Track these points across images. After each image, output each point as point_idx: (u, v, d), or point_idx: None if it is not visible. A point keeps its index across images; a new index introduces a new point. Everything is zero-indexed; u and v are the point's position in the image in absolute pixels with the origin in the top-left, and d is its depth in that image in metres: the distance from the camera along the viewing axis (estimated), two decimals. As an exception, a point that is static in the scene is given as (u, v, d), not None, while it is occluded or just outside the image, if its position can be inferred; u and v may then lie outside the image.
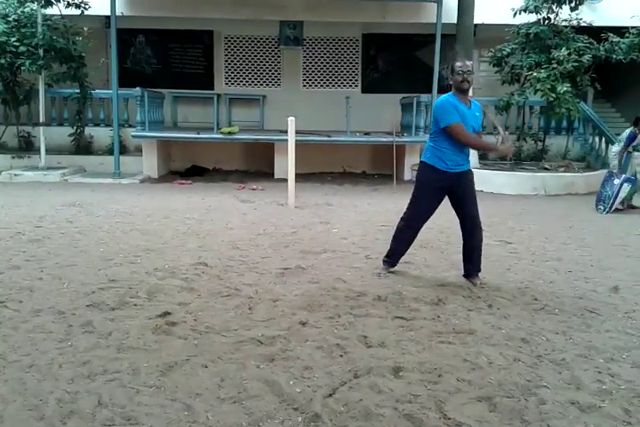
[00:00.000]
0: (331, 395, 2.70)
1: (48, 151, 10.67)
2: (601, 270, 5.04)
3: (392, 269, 4.80)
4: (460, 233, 4.73)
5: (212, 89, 13.27)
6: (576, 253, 5.71)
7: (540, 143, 11.80)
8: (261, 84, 13.54)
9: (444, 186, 4.46)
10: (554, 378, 2.93)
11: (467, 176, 4.48)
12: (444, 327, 3.60)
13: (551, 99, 10.01)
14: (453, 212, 4.72)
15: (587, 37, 10.49)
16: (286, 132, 8.23)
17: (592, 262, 5.31)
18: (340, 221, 6.95)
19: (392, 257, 4.79)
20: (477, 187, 10.13)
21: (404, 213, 4.75)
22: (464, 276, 4.65)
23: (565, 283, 4.65)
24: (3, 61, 10.10)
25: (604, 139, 11.68)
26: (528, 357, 3.18)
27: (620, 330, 3.62)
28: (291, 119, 8.15)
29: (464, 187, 4.48)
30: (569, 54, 10.03)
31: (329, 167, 12.01)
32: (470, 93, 11.05)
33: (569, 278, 4.78)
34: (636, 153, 8.69)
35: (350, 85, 13.60)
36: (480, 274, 4.62)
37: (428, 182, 4.53)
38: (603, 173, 10.12)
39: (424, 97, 10.92)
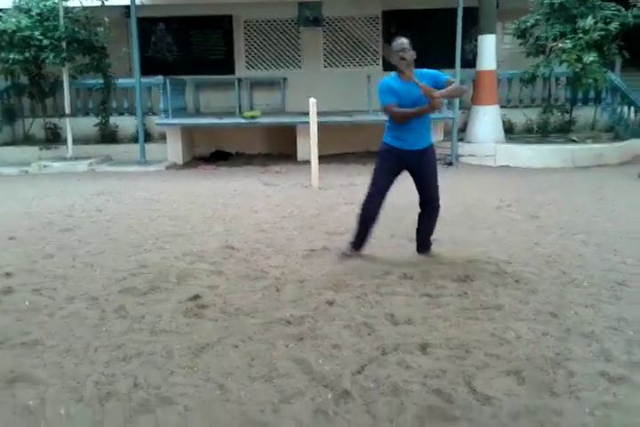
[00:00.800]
0: (359, 372, 2.74)
1: (75, 142, 10.83)
2: (631, 242, 4.97)
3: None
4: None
5: (233, 74, 13.26)
6: (605, 225, 5.63)
7: (566, 115, 11.56)
8: (282, 67, 13.48)
9: (399, 164, 4.39)
10: (583, 351, 2.92)
11: (425, 155, 4.38)
12: (471, 304, 3.61)
13: (577, 69, 9.77)
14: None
15: (614, 4, 10.17)
16: (308, 113, 8.21)
17: (621, 234, 5.24)
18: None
19: (357, 238, 4.60)
20: (505, 162, 10.22)
21: (366, 193, 4.59)
22: (417, 251, 4.65)
23: (594, 256, 4.60)
24: (27, 55, 10.22)
25: (632, 108, 11.40)
26: (556, 330, 3.18)
27: (651, 302, 3.59)
28: (312, 101, 8.12)
29: (421, 166, 4.37)
30: (595, 23, 9.75)
31: (352, 147, 11.95)
32: (494, 67, 10.90)
33: (598, 251, 4.73)
34: None
35: (371, 64, 13.45)
36: (435, 247, 4.66)
37: (384, 161, 4.46)
38: (633, 142, 9.92)
39: (447, 72, 10.73)
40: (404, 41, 4.34)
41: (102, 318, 3.46)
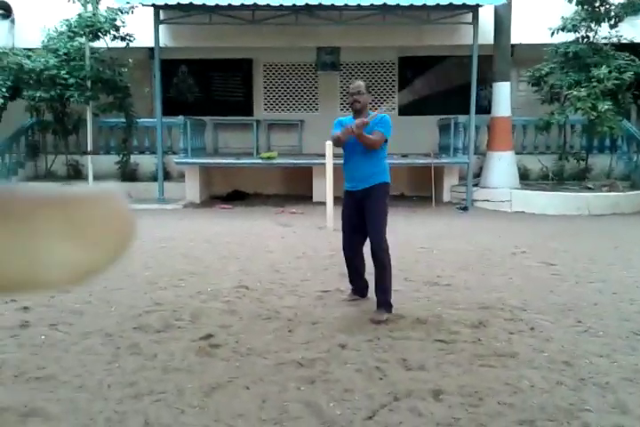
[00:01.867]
0: (370, 417, 2.72)
1: (95, 178, 11.04)
2: (647, 292, 4.93)
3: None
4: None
5: (252, 115, 13.56)
6: (621, 274, 5.60)
7: (582, 162, 11.63)
8: (299, 109, 13.77)
9: (351, 206, 4.39)
10: (598, 402, 2.88)
11: (368, 195, 4.28)
12: (484, 350, 3.58)
13: (592, 117, 9.91)
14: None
15: (628, 54, 10.37)
16: (324, 155, 8.35)
17: (638, 284, 5.20)
18: (380, 244, 6.96)
19: (351, 283, 4.68)
20: (520, 208, 10.25)
21: None
22: None
23: (610, 305, 4.56)
24: (53, 93, 10.57)
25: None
26: (571, 380, 3.14)
27: (668, 353, 3.54)
28: (328, 143, 8.26)
29: (365, 207, 4.30)
30: (609, 72, 9.93)
31: (368, 190, 12.05)
32: (508, 114, 11.05)
33: (614, 300, 4.69)
34: None
35: (387, 109, 13.70)
36: (387, 314, 4.16)
37: (343, 205, 4.52)
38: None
39: (462, 118, 10.93)
40: (360, 84, 4.43)
41: (116, 354, 3.48)
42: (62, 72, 10.50)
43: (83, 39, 10.70)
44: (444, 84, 13.25)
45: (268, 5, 10.03)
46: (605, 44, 10.66)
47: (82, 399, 2.88)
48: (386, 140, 4.35)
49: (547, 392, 2.99)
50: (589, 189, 10.61)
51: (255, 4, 9.89)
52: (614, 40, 10.68)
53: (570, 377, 3.18)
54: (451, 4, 9.88)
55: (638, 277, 5.42)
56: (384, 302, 4.21)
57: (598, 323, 4.11)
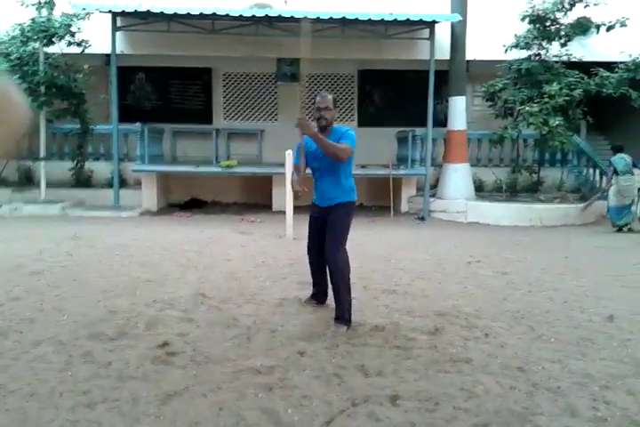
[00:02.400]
0: (328, 423, 2.73)
1: (48, 185, 10.79)
2: (596, 300, 5.09)
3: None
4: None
5: (211, 124, 13.48)
6: (572, 283, 5.76)
7: (534, 175, 11.96)
8: (259, 119, 13.77)
9: (316, 218, 4.48)
10: (549, 406, 2.96)
11: (330, 212, 4.35)
12: (440, 356, 3.63)
13: (544, 132, 10.22)
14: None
15: (577, 72, 10.76)
16: (284, 165, 8.36)
17: (588, 292, 5.36)
18: (338, 253, 6.99)
19: (313, 287, 4.75)
20: (475, 219, 10.47)
21: None
22: None
23: (561, 313, 4.69)
24: (5, 98, 10.29)
25: (597, 170, 11.85)
26: (524, 385, 3.21)
27: (616, 359, 3.66)
28: (288, 153, 8.28)
29: (327, 221, 4.35)
30: (560, 89, 10.28)
31: (326, 200, 12.10)
32: (464, 127, 11.33)
33: (565, 308, 4.82)
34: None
35: (347, 120, 13.83)
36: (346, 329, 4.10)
37: (311, 211, 4.60)
38: (597, 203, 10.25)
39: (419, 131, 11.13)
40: (328, 99, 4.28)
41: (68, 362, 3.39)
42: (15, 77, 10.23)
43: (36, 44, 10.48)
44: (403, 98, 13.46)
45: (227, 15, 10.05)
46: (556, 62, 11.06)
47: (32, 408, 2.80)
48: (351, 155, 4.25)
49: (501, 397, 3.05)
50: (541, 200, 10.92)
51: (214, 13, 9.89)
52: (564, 58, 11.08)
53: (523, 382, 3.25)
54: (408, 20, 10.11)
55: (588, 287, 5.59)
56: (339, 316, 4.21)
57: (550, 330, 4.21)
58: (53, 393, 2.96)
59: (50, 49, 10.78)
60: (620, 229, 9.47)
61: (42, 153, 10.77)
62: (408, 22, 10.32)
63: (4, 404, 2.84)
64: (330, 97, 4.31)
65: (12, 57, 10.48)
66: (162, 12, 9.82)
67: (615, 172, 9.58)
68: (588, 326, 4.34)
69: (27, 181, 11.74)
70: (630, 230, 9.48)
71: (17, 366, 3.31)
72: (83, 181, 11.75)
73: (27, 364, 3.35)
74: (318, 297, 4.70)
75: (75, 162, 11.58)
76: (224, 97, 13.74)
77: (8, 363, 3.35)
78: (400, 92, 13.56)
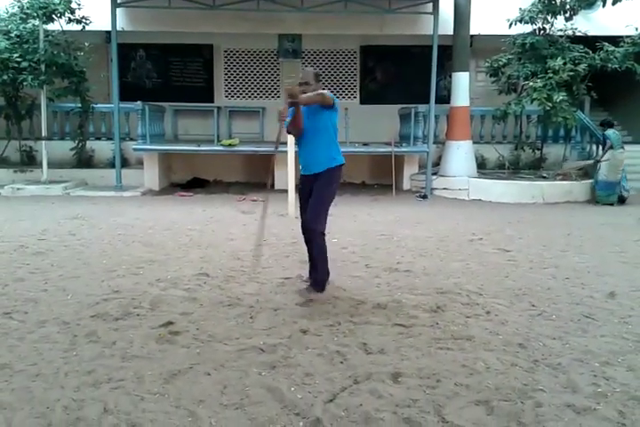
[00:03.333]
0: (331, 400, 2.76)
1: (50, 165, 10.77)
2: (598, 277, 5.10)
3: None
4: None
5: (213, 102, 13.40)
6: (573, 260, 5.77)
7: (537, 152, 11.90)
8: (261, 97, 13.68)
9: (307, 188, 4.46)
10: (550, 382, 2.98)
11: (314, 180, 4.37)
12: (442, 334, 3.66)
13: (548, 108, 10.14)
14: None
15: (582, 47, 10.62)
16: (286, 143, 8.32)
17: (589, 269, 5.37)
18: (341, 231, 7.01)
19: (309, 263, 4.70)
20: (477, 196, 10.45)
21: None
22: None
23: (563, 289, 4.70)
24: (5, 77, 10.21)
25: (601, 147, 11.76)
26: (525, 361, 3.24)
27: (616, 335, 3.68)
28: (290, 131, 8.23)
29: (310, 190, 4.39)
30: (564, 64, 10.16)
31: (329, 178, 12.07)
32: (467, 103, 11.22)
33: (566, 285, 4.84)
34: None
35: (349, 97, 13.73)
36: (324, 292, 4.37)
37: (300, 188, 4.62)
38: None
39: (422, 107, 11.03)
40: (308, 73, 4.31)
41: (73, 342, 3.42)
42: (15, 55, 10.14)
43: (36, 21, 10.36)
44: (405, 74, 13.33)
45: (228, -10, 9.89)
46: (561, 37, 10.91)
47: (38, 388, 2.83)
48: (333, 107, 4.23)
49: (502, 373, 3.08)
50: (544, 177, 10.87)
51: (215, -12, 9.75)
52: (569, 33, 10.92)
53: (524, 359, 3.28)
54: (411, -7, 9.94)
55: (589, 263, 5.60)
56: (314, 281, 4.43)
57: (551, 307, 4.23)
58: (58, 373, 3.00)
59: (50, 26, 10.66)
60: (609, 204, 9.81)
61: (43, 132, 10.73)
62: (411, -4, 10.18)
63: (11, 383, 2.88)
64: (311, 71, 4.33)
65: (12, 34, 10.38)
66: (162, -12, 9.68)
67: (610, 146, 9.83)
68: (590, 302, 4.36)
69: (28, 160, 11.74)
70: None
71: (22, 346, 3.34)
72: (84, 160, 11.74)
73: (32, 344, 3.38)
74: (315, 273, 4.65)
75: (76, 141, 11.55)
76: (225, 74, 13.64)
77: (13, 343, 3.39)
78: (403, 68, 13.42)
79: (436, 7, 10.64)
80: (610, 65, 10.31)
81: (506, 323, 3.87)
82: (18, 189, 10.19)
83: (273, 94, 13.63)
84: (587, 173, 10.96)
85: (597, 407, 2.72)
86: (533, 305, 4.27)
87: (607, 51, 10.32)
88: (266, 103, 13.43)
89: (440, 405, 2.72)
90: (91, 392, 2.80)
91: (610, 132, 9.97)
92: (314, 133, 4.33)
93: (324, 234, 4.38)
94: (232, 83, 13.70)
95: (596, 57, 10.40)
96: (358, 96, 13.73)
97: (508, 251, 6.12)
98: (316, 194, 4.33)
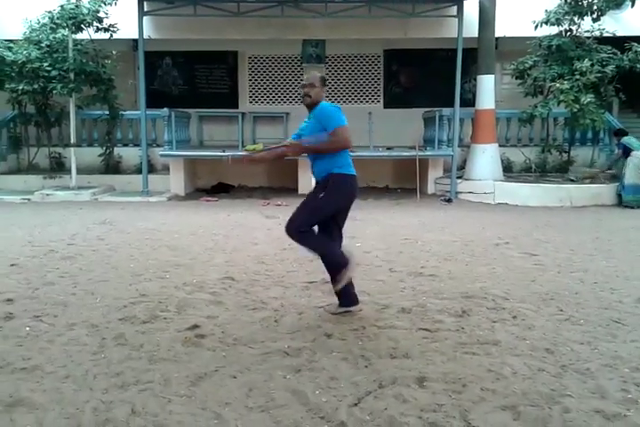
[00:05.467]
0: (356, 404, 2.76)
1: (78, 171, 10.96)
2: (627, 281, 5.01)
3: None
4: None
5: (237, 108, 13.51)
6: (602, 264, 5.68)
7: (564, 155, 11.75)
8: (285, 102, 13.76)
9: (310, 193, 4.20)
10: (578, 387, 2.94)
11: (317, 185, 4.09)
12: (468, 338, 3.63)
13: (575, 110, 10.01)
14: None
15: (610, 48, 10.47)
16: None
17: (618, 273, 5.28)
18: (364, 235, 7.01)
19: None
20: (503, 199, 10.37)
21: None
22: None
23: (591, 294, 4.64)
24: (36, 86, 10.45)
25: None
26: (552, 367, 3.20)
27: (646, 340, 3.61)
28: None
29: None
30: (592, 65, 10.03)
31: (353, 182, 12.07)
32: (492, 106, 11.12)
33: (594, 289, 4.77)
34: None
35: (372, 101, 13.73)
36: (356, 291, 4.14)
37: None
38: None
39: (446, 111, 10.98)
40: (313, 76, 4.07)
41: (102, 345, 3.48)
42: (45, 64, 10.38)
43: (65, 31, 10.57)
44: (429, 77, 13.28)
45: (252, -3, 9.98)
46: (588, 38, 10.76)
47: (68, 389, 2.88)
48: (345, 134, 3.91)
49: (529, 378, 3.04)
50: (572, 180, 10.72)
51: (240, -5, 9.84)
52: (597, 34, 10.76)
53: (551, 364, 3.24)
54: (435, -3, 9.92)
55: (618, 267, 5.51)
56: (337, 294, 4.08)
57: (579, 311, 4.17)
58: (87, 375, 3.05)
59: (78, 36, 10.88)
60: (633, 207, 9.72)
61: (72, 139, 10.93)
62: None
63: (42, 385, 2.94)
64: (317, 75, 4.09)
65: (43, 44, 10.62)
66: (187, -4, 9.81)
67: (626, 151, 10.01)
68: (619, 307, 4.29)
69: (57, 167, 11.97)
70: None
71: (52, 349, 3.41)
72: (112, 166, 11.93)
73: (61, 346, 3.44)
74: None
75: (104, 148, 11.74)
76: (249, 80, 13.75)
77: (44, 346, 3.46)
78: (427, 71, 13.37)
79: (460, 10, 10.59)
80: (639, 66, 10.15)
81: (533, 328, 3.83)
82: (47, 194, 10.39)
83: (297, 100, 13.69)
84: (615, 175, 10.79)
85: (627, 414, 2.67)
86: (561, 310, 4.21)
87: (636, 51, 10.16)
88: (290, 108, 13.49)
89: (466, 410, 2.70)
90: (119, 394, 2.84)
91: (625, 138, 10.13)
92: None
93: (301, 232, 4.01)
94: (256, 88, 13.80)
95: (625, 58, 10.25)
96: (382, 100, 13.72)
97: (534, 255, 6.05)
98: (307, 202, 4.09)
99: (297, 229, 4.00)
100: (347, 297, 4.09)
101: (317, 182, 4.13)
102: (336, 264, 3.98)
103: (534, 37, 10.92)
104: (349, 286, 4.06)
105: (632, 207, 9.68)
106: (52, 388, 2.90)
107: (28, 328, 3.75)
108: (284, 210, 9.22)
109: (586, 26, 10.82)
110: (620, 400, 2.80)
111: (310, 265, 5.51)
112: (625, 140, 10.13)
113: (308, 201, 4.09)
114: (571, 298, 4.51)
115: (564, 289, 4.75)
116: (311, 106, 4.08)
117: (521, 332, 3.75)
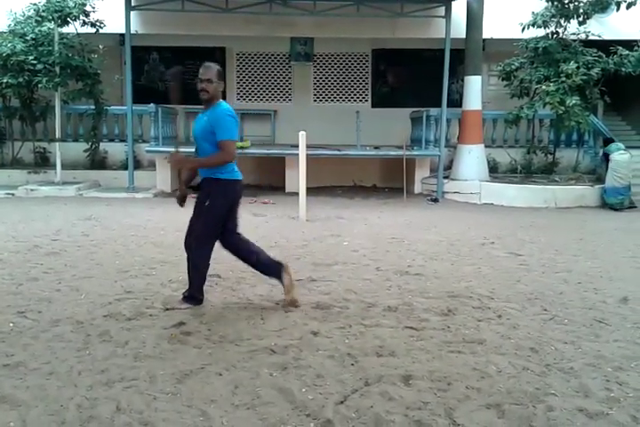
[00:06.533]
0: (342, 402, 2.76)
1: (63, 166, 10.86)
2: (610, 282, 5.07)
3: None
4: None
5: (224, 104, 13.45)
6: (586, 264, 5.74)
7: (550, 156, 11.84)
8: (272, 100, 13.72)
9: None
10: (562, 386, 2.97)
11: (204, 187, 4.12)
12: (453, 337, 3.65)
13: (560, 112, 10.09)
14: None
15: (595, 51, 10.58)
16: (297, 146, 8.34)
17: (602, 274, 5.35)
18: (351, 234, 7.02)
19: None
20: (489, 200, 10.43)
21: None
22: None
23: (575, 294, 4.68)
24: (20, 80, 10.32)
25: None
26: (537, 365, 3.23)
27: (629, 340, 3.66)
28: (301, 133, 8.26)
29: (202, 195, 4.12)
30: (577, 68, 10.12)
31: (339, 181, 12.10)
32: (479, 107, 11.22)
33: (578, 290, 4.82)
34: None
35: (360, 100, 13.75)
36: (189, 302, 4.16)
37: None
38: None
39: (433, 111, 11.02)
40: (210, 70, 3.80)
41: (86, 342, 3.45)
42: (30, 57, 10.26)
43: (51, 24, 10.46)
44: (417, 77, 13.32)
45: (241, -7, 9.95)
46: (574, 41, 10.86)
47: (52, 386, 2.86)
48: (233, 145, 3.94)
49: (513, 377, 3.07)
50: (556, 182, 10.82)
51: (228, -9, 9.80)
52: (582, 36, 10.86)
53: (536, 363, 3.26)
54: (424, -3, 9.95)
55: (602, 268, 5.57)
56: (186, 294, 4.20)
57: (563, 311, 4.21)
58: (72, 371, 3.02)
59: (64, 29, 10.77)
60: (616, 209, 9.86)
61: (57, 134, 10.82)
62: (423, 0, 10.17)
63: (25, 381, 2.90)
64: (215, 68, 3.82)
65: (28, 37, 10.49)
66: (175, -9, 9.75)
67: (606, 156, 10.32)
68: (602, 307, 4.34)
69: (42, 162, 11.85)
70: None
71: (36, 345, 3.37)
72: (97, 162, 11.82)
73: (46, 343, 3.41)
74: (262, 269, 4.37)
75: (89, 143, 11.63)
76: (237, 77, 13.70)
77: (28, 342, 3.42)
78: (414, 71, 13.41)
79: (448, 11, 10.63)
80: (624, 69, 10.27)
81: (517, 327, 3.86)
82: (32, 189, 10.28)
83: (285, 97, 13.68)
84: (600, 177, 10.91)
85: (610, 412, 2.70)
86: (545, 309, 4.25)
87: (621, 55, 10.27)
88: (277, 106, 13.48)
89: (451, 408, 2.71)
90: (104, 391, 2.82)
91: (607, 147, 10.44)
92: (206, 148, 4.04)
93: (201, 246, 4.18)
94: (244, 86, 13.76)
95: (610, 61, 10.36)
96: (370, 99, 13.75)
97: (519, 255, 6.10)
98: (200, 211, 4.14)
99: (198, 243, 4.16)
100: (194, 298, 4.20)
101: (201, 182, 4.11)
102: (201, 274, 4.24)
103: (521, 39, 10.99)
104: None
105: (616, 209, 9.78)
106: (35, 384, 2.87)
107: (11, 324, 3.71)
108: (271, 208, 9.22)
109: (572, 28, 10.92)
110: (603, 399, 2.84)
111: (297, 263, 5.52)
112: (606, 147, 10.42)
113: (198, 212, 4.13)
114: (555, 298, 4.55)
115: (549, 289, 4.80)
116: (208, 102, 3.90)
117: (506, 331, 3.78)
